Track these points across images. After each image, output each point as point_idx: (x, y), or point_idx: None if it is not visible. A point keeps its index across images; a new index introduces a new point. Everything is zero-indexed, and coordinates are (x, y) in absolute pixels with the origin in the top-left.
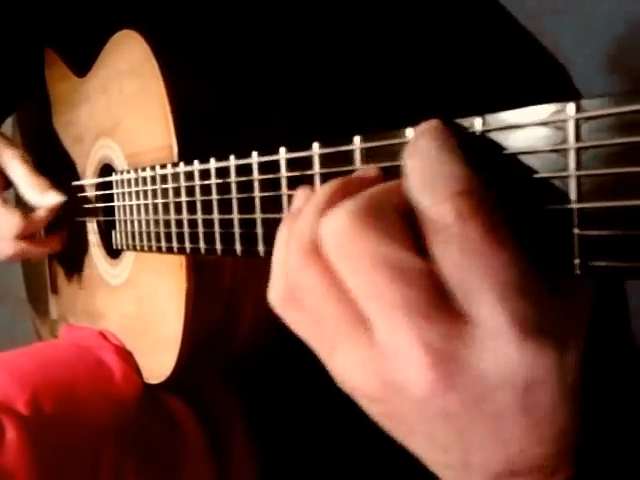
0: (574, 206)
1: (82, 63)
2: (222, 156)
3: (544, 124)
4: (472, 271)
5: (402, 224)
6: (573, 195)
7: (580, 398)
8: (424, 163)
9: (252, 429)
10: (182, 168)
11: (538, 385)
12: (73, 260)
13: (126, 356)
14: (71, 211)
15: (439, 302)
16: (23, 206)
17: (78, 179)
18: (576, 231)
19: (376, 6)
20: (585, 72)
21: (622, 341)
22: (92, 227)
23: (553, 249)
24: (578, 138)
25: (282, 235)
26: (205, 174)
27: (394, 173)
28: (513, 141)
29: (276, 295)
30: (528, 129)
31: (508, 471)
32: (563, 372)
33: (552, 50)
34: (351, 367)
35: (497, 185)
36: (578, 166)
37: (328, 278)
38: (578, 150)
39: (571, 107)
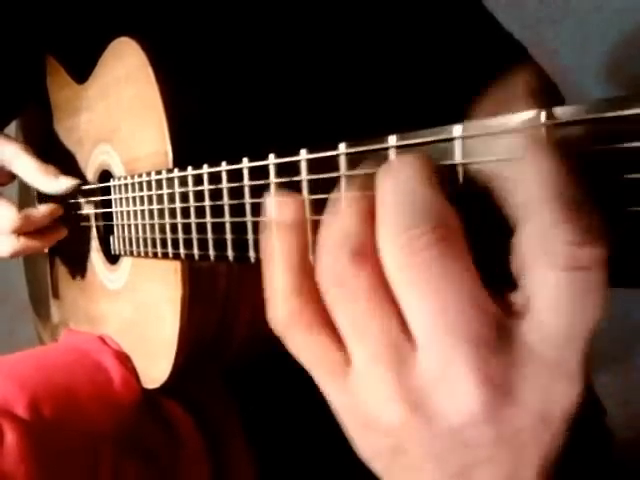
0: None
1: (82, 70)
2: (215, 162)
3: (519, 131)
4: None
5: None
6: None
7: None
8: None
9: (250, 432)
10: (176, 174)
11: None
12: (74, 265)
13: (125, 361)
14: (71, 214)
15: None
16: (23, 205)
17: None
18: None
19: (361, 16)
20: (583, 80)
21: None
22: (92, 233)
23: None
24: None
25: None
26: (198, 179)
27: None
28: (490, 148)
29: (282, 314)
30: (504, 136)
31: None
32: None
33: (550, 59)
34: (379, 396)
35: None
36: None
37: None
38: None
39: (543, 115)
